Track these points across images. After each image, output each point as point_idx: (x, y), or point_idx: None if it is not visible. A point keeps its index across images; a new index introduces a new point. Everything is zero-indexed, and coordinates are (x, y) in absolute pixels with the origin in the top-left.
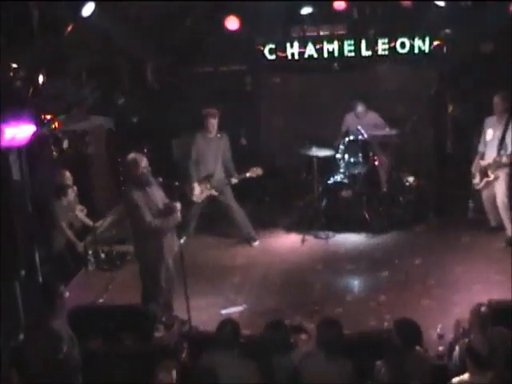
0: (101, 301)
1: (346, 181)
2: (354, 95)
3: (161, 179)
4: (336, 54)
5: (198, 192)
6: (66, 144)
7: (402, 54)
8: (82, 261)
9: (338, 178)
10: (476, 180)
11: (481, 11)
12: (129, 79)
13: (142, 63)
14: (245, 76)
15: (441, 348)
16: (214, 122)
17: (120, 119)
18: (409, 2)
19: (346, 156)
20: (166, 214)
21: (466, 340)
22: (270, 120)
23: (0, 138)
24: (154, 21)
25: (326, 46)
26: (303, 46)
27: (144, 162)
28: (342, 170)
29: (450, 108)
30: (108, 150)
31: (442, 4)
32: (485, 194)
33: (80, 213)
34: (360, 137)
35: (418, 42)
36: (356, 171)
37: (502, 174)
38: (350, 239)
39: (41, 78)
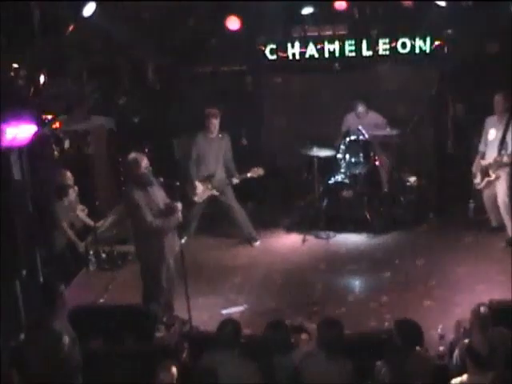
0: (102, 301)
1: (346, 181)
2: (354, 95)
3: (162, 179)
4: (337, 54)
5: (201, 190)
6: (67, 144)
7: (402, 54)
8: (83, 261)
9: (339, 178)
10: (477, 180)
11: (482, 11)
12: (130, 79)
13: (142, 63)
14: (246, 76)
15: (441, 348)
16: (215, 123)
17: (121, 119)
18: (410, 2)
19: (347, 156)
20: (167, 214)
21: (467, 340)
22: (271, 120)
23: (1, 137)
24: (155, 21)
25: (327, 46)
26: (304, 46)
27: (145, 162)
28: (342, 170)
29: (451, 108)
30: (109, 150)
31: (443, 4)
32: (486, 194)
33: (81, 213)
34: (361, 137)
35: (418, 42)
36: (357, 171)
37: (503, 174)
38: (351, 239)
39: (42, 78)
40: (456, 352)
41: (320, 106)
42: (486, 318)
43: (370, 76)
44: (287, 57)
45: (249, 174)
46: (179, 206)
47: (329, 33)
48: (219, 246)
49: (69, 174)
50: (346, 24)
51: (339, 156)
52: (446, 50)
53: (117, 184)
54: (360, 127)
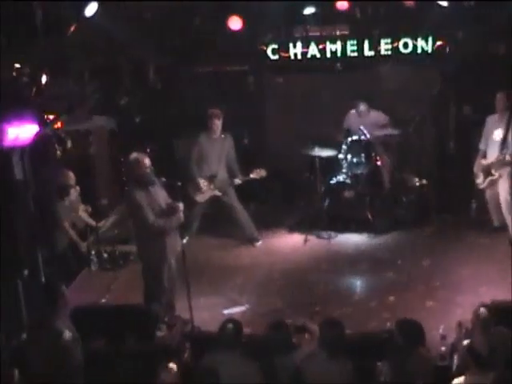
0: (103, 301)
1: (348, 181)
2: (356, 95)
3: (163, 179)
4: (339, 54)
5: (205, 188)
6: (69, 144)
7: (404, 54)
8: (85, 261)
9: (341, 178)
10: (479, 180)
11: (484, 11)
12: (131, 79)
13: (144, 63)
14: (247, 76)
15: (443, 349)
16: (218, 123)
17: (122, 119)
18: (412, 2)
19: (349, 156)
20: (168, 214)
21: (468, 341)
22: (273, 120)
23: (3, 137)
24: (156, 21)
25: (329, 46)
26: (306, 46)
27: (147, 162)
28: (344, 170)
29: (453, 108)
30: (111, 150)
31: (444, 4)
32: (488, 194)
33: (83, 213)
34: (362, 137)
35: (420, 43)
36: (358, 171)
37: (505, 173)
38: (353, 239)
39: (44, 78)
40: (457, 352)
41: (322, 106)
42: (488, 318)
43: (372, 76)
44: (289, 57)
45: (251, 175)
46: (181, 205)
47: (331, 33)
48: (221, 246)
49: (71, 174)
50: (347, 24)
51: (341, 156)
52: (447, 50)
53: (118, 184)
54: (362, 127)
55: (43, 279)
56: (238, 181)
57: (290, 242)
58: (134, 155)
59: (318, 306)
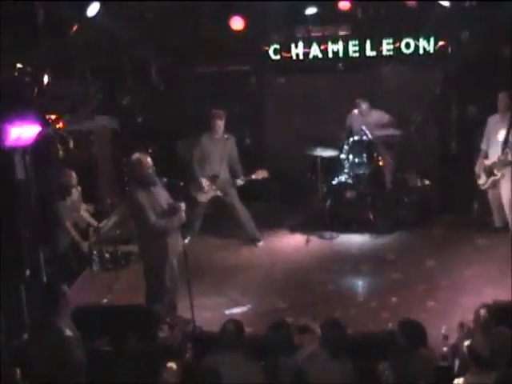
0: (105, 301)
1: (350, 181)
2: (358, 95)
3: (165, 179)
4: (341, 54)
5: (207, 188)
6: (71, 144)
7: (406, 54)
8: (87, 261)
9: (343, 178)
10: (481, 180)
11: (486, 11)
12: (133, 79)
13: (146, 63)
14: (249, 76)
15: (445, 349)
16: (220, 124)
17: (125, 119)
18: (413, 2)
19: (351, 156)
20: (170, 214)
21: (469, 341)
22: (275, 120)
23: (5, 137)
24: (158, 21)
25: (331, 47)
26: (308, 46)
27: (149, 162)
28: (346, 171)
29: (455, 108)
30: (113, 150)
31: (446, 4)
32: (491, 194)
33: (84, 212)
34: (364, 137)
35: (422, 43)
36: (360, 171)
37: (508, 173)
38: (354, 240)
39: (46, 78)
40: (459, 353)
41: (324, 107)
42: (489, 318)
43: (374, 76)
44: (291, 57)
45: (253, 176)
46: (182, 206)
47: (332, 33)
48: (223, 246)
49: (73, 174)
50: (349, 24)
51: (342, 156)
52: (449, 50)
53: (120, 184)
54: (363, 127)
55: (45, 279)
56: (240, 181)
57: (291, 243)
58: (136, 155)
59: (320, 306)
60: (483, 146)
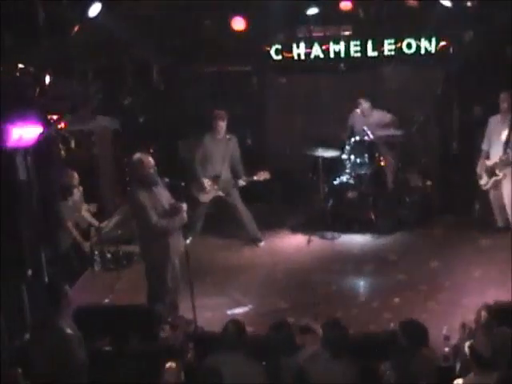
0: (107, 301)
1: (351, 181)
2: (360, 96)
3: (167, 179)
4: (342, 54)
5: (209, 188)
6: (72, 144)
7: (408, 54)
8: (88, 261)
9: (344, 178)
10: (483, 181)
11: (488, 11)
12: (134, 79)
13: (147, 63)
14: (251, 76)
15: (447, 349)
16: (222, 125)
17: (126, 119)
18: (415, 2)
19: (352, 156)
20: (171, 214)
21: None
22: (276, 120)
23: (7, 138)
24: (160, 21)
25: (333, 47)
26: (309, 46)
27: (150, 162)
28: (347, 171)
29: (456, 108)
30: (114, 150)
31: (448, 4)
32: (492, 194)
33: (86, 213)
34: (366, 137)
35: (424, 43)
36: (362, 172)
37: (510, 173)
38: (356, 240)
39: (47, 78)
40: (461, 353)
41: (325, 107)
42: (490, 319)
43: (375, 76)
44: (292, 57)
45: (255, 178)
46: (184, 206)
47: (334, 33)
48: (224, 247)
49: (75, 174)
50: (351, 24)
51: (344, 156)
52: (451, 50)
53: (122, 184)
54: (365, 128)
55: (46, 279)
56: (242, 182)
57: (293, 243)
58: (137, 155)
59: (322, 307)
60: (484, 147)
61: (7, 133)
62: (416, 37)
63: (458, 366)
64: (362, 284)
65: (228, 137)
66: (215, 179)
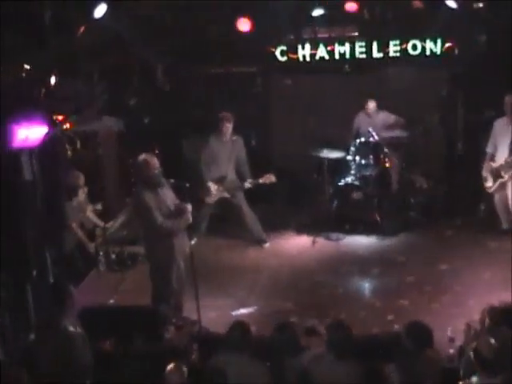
0: (111, 301)
1: (356, 182)
2: (365, 97)
3: (172, 180)
4: (347, 55)
5: (214, 191)
6: (78, 144)
7: (413, 55)
8: (93, 261)
9: (349, 179)
10: (488, 183)
11: (493, 12)
12: (140, 80)
13: (152, 64)
14: (256, 77)
15: (451, 351)
16: (229, 126)
17: (131, 120)
18: (420, 3)
19: (357, 158)
20: (176, 215)
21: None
22: (281, 121)
23: (12, 138)
24: (165, 21)
25: (338, 48)
26: (314, 47)
27: (155, 163)
28: (353, 172)
29: (461, 110)
30: (119, 151)
31: (453, 5)
32: (497, 196)
33: (91, 213)
34: (371, 139)
35: (429, 44)
36: (367, 173)
37: None
38: (361, 241)
39: (53, 79)
40: (465, 355)
41: (330, 108)
42: (495, 320)
43: (381, 78)
44: (297, 58)
45: (260, 181)
46: (189, 207)
47: (339, 34)
48: (229, 248)
49: (80, 175)
50: (356, 26)
51: (349, 158)
52: (456, 51)
53: (126, 185)
54: (370, 129)
55: (51, 279)
56: (247, 185)
57: (297, 244)
58: (142, 156)
59: (326, 308)
60: (489, 150)
61: (13, 133)
62: (421, 38)
63: (462, 368)
64: (366, 285)
65: (234, 138)
66: (221, 180)
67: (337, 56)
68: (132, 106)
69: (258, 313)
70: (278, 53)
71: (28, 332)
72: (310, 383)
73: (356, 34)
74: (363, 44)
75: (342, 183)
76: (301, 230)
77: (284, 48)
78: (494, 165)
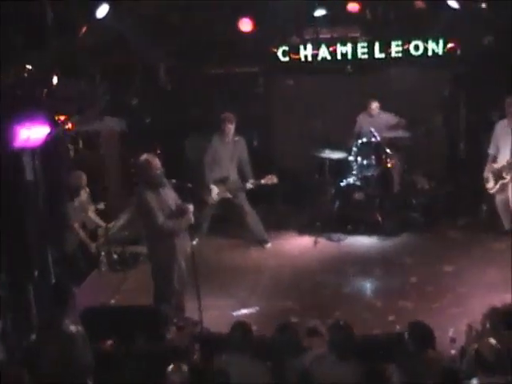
0: (113, 301)
1: (358, 183)
2: (367, 97)
3: (174, 180)
4: (349, 56)
5: (216, 193)
6: (80, 145)
7: (415, 56)
8: (95, 261)
9: (351, 180)
10: (490, 184)
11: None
12: (141, 80)
13: (154, 64)
14: (258, 78)
15: (453, 351)
16: (231, 127)
17: (133, 120)
18: (422, 4)
19: (359, 158)
20: (178, 215)
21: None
22: (283, 122)
23: (14, 139)
24: (167, 22)
25: (340, 48)
26: (317, 48)
27: (157, 164)
28: (354, 172)
29: (463, 110)
30: (120, 151)
31: (455, 6)
32: (498, 198)
33: (93, 214)
34: (373, 139)
35: (431, 45)
36: (369, 173)
37: None
38: (362, 242)
39: (55, 79)
40: (467, 356)
41: (332, 108)
42: (497, 321)
43: (383, 78)
44: (299, 59)
45: (262, 181)
46: (191, 207)
47: (341, 35)
48: (231, 248)
49: (83, 175)
50: (358, 26)
51: (351, 158)
52: (458, 52)
53: (128, 185)
54: (372, 129)
55: (53, 280)
56: (249, 185)
57: (299, 244)
58: (144, 157)
59: (328, 308)
60: (491, 151)
61: (15, 133)
62: (423, 38)
63: (464, 368)
64: (368, 286)
65: (236, 138)
66: (223, 181)
67: (339, 56)
68: (134, 106)
69: (259, 313)
70: (280, 53)
71: (29, 332)
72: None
73: (358, 34)
74: (365, 44)
75: (343, 184)
76: (302, 230)
77: (286, 48)
78: (496, 166)
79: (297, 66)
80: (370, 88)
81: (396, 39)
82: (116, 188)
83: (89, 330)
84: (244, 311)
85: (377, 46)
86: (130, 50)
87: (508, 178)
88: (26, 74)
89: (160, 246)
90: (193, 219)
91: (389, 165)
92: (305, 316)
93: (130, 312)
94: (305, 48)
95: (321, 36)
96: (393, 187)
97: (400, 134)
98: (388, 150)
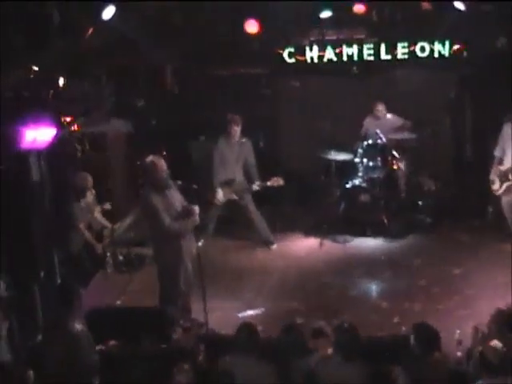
0: (119, 302)
1: (364, 185)
2: (372, 99)
3: (179, 182)
4: (355, 57)
5: (222, 196)
6: (86, 146)
7: (421, 57)
8: (101, 262)
9: (357, 181)
10: (496, 186)
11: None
12: (147, 82)
13: (160, 66)
14: (264, 79)
15: (459, 354)
16: (237, 129)
17: (139, 121)
18: (428, 5)
19: (365, 160)
20: (184, 216)
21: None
22: (289, 123)
23: (21, 140)
24: (173, 24)
25: (346, 50)
26: (322, 49)
27: (163, 166)
28: (360, 174)
29: (469, 112)
30: (127, 153)
31: (462, 7)
32: (504, 200)
33: (99, 215)
34: (379, 141)
35: (437, 46)
36: (374, 175)
37: None
38: (368, 243)
39: (61, 81)
40: (473, 358)
41: (338, 110)
42: (503, 324)
43: (389, 80)
44: (305, 60)
45: (268, 183)
46: (196, 208)
47: (347, 36)
48: (236, 249)
49: (89, 176)
50: (364, 28)
51: (357, 160)
52: (465, 53)
53: (134, 186)
54: (378, 131)
55: (59, 280)
56: (255, 187)
57: (305, 246)
58: (150, 159)
59: (333, 310)
60: (497, 153)
61: (21, 135)
62: (430, 40)
63: (470, 371)
64: (374, 287)
65: (242, 140)
66: (229, 183)
67: (345, 58)
68: (140, 107)
69: (265, 314)
70: (285, 55)
71: (35, 332)
72: None
73: (364, 35)
74: (371, 46)
75: (349, 185)
76: (308, 232)
77: (292, 50)
78: (502, 168)
79: (303, 67)
80: (376, 89)
81: (402, 41)
82: (122, 189)
83: (95, 331)
84: (250, 312)
85: (383, 47)
86: (136, 52)
87: None
88: (32, 76)
89: (166, 248)
90: (199, 221)
91: (395, 166)
92: (310, 317)
93: (135, 313)
94: (311, 49)
95: (327, 37)
96: (399, 189)
97: (406, 135)
98: (394, 152)
